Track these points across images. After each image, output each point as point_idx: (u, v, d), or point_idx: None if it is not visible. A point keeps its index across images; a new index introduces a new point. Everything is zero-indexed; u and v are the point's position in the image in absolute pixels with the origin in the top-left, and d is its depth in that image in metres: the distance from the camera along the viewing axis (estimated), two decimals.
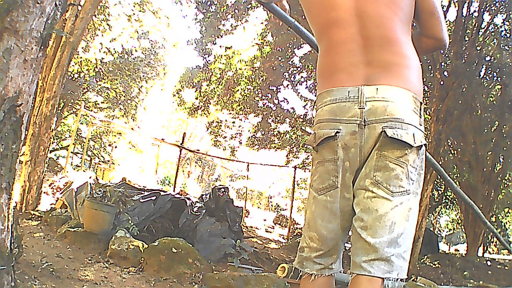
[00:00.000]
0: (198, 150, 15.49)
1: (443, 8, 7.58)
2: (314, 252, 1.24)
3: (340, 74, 1.19)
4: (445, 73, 7.14)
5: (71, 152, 14.34)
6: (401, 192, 1.11)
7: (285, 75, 10.91)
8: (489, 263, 8.75)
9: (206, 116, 13.03)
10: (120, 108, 15.82)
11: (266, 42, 10.44)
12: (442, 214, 18.62)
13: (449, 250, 17.36)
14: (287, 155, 12.82)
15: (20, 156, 2.42)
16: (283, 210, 19.58)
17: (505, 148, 8.51)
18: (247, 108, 11.52)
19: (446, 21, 7.99)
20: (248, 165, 12.50)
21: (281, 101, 11.23)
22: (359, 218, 1.13)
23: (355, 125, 1.14)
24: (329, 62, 1.24)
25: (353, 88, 1.15)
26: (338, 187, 1.19)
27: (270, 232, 12.24)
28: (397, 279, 1.09)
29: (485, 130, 8.81)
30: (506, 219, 15.09)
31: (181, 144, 10.28)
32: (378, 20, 1.18)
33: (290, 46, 9.95)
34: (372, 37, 1.18)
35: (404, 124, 1.11)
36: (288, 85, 11.27)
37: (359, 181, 1.16)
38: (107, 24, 12.17)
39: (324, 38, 1.27)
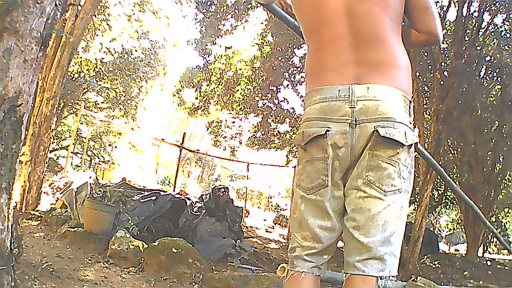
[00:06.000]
0: (198, 150, 15.49)
1: (443, 8, 7.58)
2: (306, 250, 1.22)
3: (329, 73, 1.18)
4: (445, 73, 7.13)
5: (71, 152, 14.34)
6: (394, 191, 1.12)
7: (285, 75, 10.91)
8: (489, 263, 8.75)
9: (206, 116, 13.03)
10: (120, 108, 15.82)
11: (266, 42, 10.45)
12: (442, 214, 18.62)
13: (449, 250, 17.35)
14: (287, 155, 12.82)
15: (20, 156, 2.42)
16: (283, 210, 19.58)
17: (505, 148, 8.50)
18: (247, 108, 11.52)
19: (446, 21, 7.93)
20: (248, 165, 12.50)
21: (281, 101, 11.23)
22: (351, 218, 1.14)
23: (345, 124, 1.13)
24: (318, 61, 1.23)
25: (343, 87, 1.14)
26: (329, 186, 1.17)
27: (270, 232, 12.23)
28: (389, 276, 1.12)
29: (485, 130, 8.81)
30: (506, 219, 15.08)
31: (181, 144, 10.28)
32: (367, 19, 1.17)
33: (290, 46, 9.95)
34: (362, 35, 1.17)
35: (396, 123, 1.11)
36: (288, 85, 11.27)
37: (351, 181, 1.16)
38: (107, 24, 12.17)
39: (313, 37, 1.26)
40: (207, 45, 10.37)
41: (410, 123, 1.17)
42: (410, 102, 1.19)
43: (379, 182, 1.11)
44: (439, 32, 1.30)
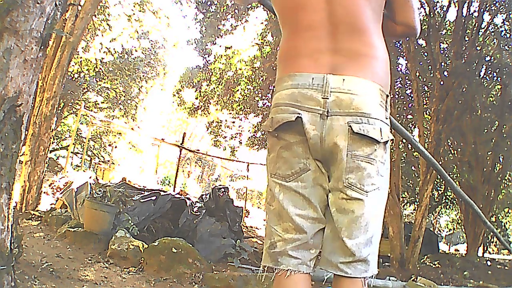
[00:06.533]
0: (198, 150, 15.50)
1: (443, 8, 7.58)
2: (290, 243, 1.11)
3: (304, 59, 1.12)
4: (445, 73, 7.12)
5: (71, 152, 14.34)
6: (373, 189, 1.09)
7: None
8: (489, 263, 8.74)
9: (206, 116, 13.03)
10: (120, 108, 15.82)
11: (266, 42, 10.44)
12: (442, 214, 18.61)
13: (449, 250, 17.35)
14: None
15: (20, 156, 2.42)
16: None
17: (505, 148, 8.50)
18: (247, 108, 11.52)
19: (446, 21, 7.88)
20: (248, 165, 12.49)
21: None
22: (335, 218, 1.10)
23: (316, 115, 1.07)
24: (293, 46, 1.17)
25: (317, 75, 1.09)
26: (310, 170, 1.11)
27: None
28: (372, 275, 1.11)
29: (485, 130, 8.80)
30: (506, 219, 15.08)
31: (181, 144, 10.28)
32: (349, 7, 1.12)
33: None
34: (341, 24, 1.12)
35: (371, 119, 1.07)
36: None
37: (333, 181, 1.11)
38: (107, 24, 12.17)
39: (289, 22, 1.20)
40: (207, 45, 10.37)
41: (387, 118, 1.13)
42: (387, 96, 1.14)
43: (360, 183, 1.07)
44: (417, 25, 1.28)
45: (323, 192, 1.12)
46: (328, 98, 1.06)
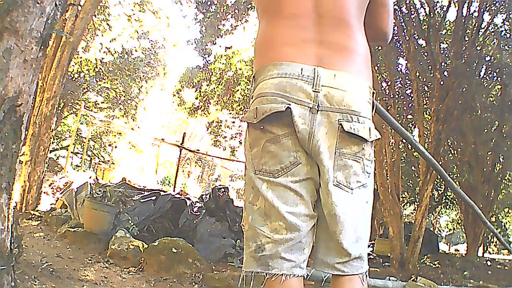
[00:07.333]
0: (198, 150, 15.49)
1: (442, 8, 7.58)
2: (282, 245, 1.03)
3: (289, 48, 1.07)
4: (445, 73, 7.12)
5: (71, 152, 14.34)
6: (359, 187, 1.07)
7: None
8: (489, 263, 8.74)
9: (206, 116, 13.04)
10: (120, 108, 15.83)
11: None
12: (442, 214, 18.61)
13: (449, 250, 17.36)
14: None
15: (20, 156, 2.42)
16: None
17: (505, 148, 8.49)
18: (247, 108, 11.51)
19: (446, 21, 7.87)
20: None
21: None
22: (327, 220, 1.06)
23: (306, 108, 1.01)
24: (276, 34, 1.10)
25: (307, 66, 1.03)
26: (301, 163, 1.04)
27: None
28: (367, 271, 1.10)
29: (485, 130, 8.79)
30: (506, 219, 15.07)
31: (181, 144, 10.29)
32: (335, 1, 1.10)
33: None
34: (327, 16, 1.09)
35: (360, 118, 1.04)
36: None
37: (321, 181, 1.07)
38: (107, 24, 12.18)
39: (271, 10, 1.14)
40: (207, 45, 10.38)
41: (372, 116, 1.11)
42: (373, 93, 1.12)
43: (347, 181, 1.05)
44: (389, 31, 1.27)
45: (314, 187, 1.07)
46: (319, 92, 1.02)
